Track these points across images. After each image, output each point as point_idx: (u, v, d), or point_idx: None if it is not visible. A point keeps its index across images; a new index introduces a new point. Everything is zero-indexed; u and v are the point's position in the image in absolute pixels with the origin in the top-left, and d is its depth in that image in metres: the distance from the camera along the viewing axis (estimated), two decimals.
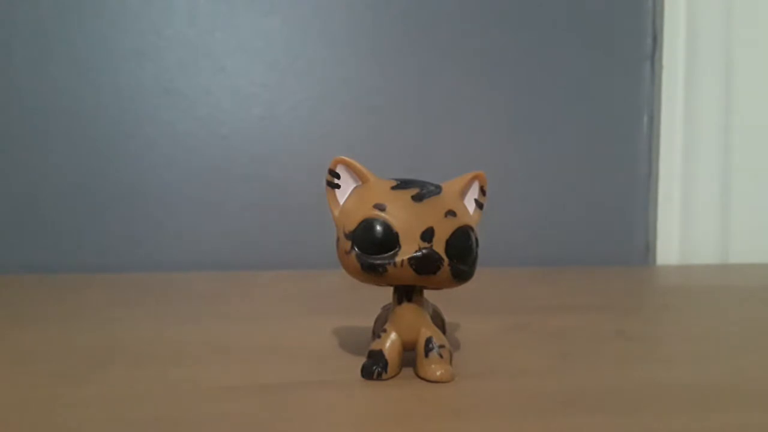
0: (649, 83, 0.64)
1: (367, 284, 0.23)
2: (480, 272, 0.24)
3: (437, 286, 0.23)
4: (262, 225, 0.58)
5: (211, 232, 0.57)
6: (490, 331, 0.31)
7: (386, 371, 0.23)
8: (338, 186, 0.24)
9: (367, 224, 0.22)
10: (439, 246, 0.22)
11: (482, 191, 0.25)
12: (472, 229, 0.23)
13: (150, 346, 0.28)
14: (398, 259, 0.21)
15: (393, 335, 0.23)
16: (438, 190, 0.23)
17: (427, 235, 0.22)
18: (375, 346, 0.23)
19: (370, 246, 0.22)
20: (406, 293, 0.23)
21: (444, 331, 0.26)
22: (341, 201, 0.24)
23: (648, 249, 0.65)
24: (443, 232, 0.22)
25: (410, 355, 0.24)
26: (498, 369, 0.25)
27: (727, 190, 0.64)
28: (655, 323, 0.35)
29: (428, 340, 0.23)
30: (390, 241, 0.22)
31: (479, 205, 0.25)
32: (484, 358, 0.26)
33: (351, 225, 0.22)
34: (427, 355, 0.23)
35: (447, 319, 0.28)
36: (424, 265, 0.21)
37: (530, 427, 0.19)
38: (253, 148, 0.58)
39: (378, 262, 0.22)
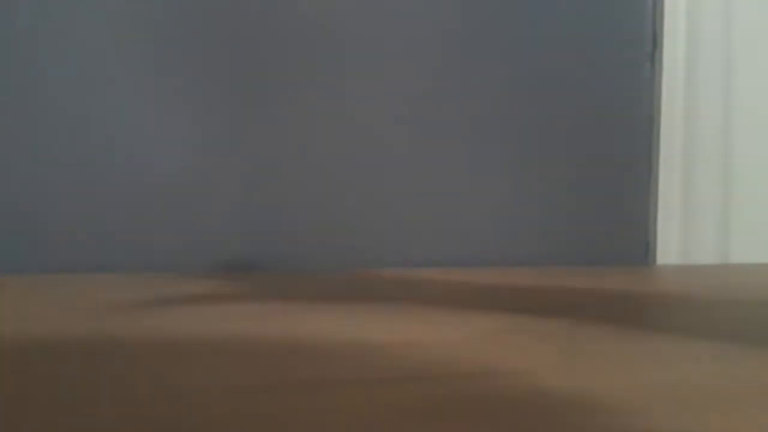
0: (649, 83, 0.64)
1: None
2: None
3: None
4: (261, 225, 0.58)
5: (211, 232, 0.57)
6: (490, 331, 0.31)
7: None
8: None
9: None
10: None
11: None
12: None
13: (150, 346, 0.28)
14: None
15: None
16: None
17: None
18: None
19: None
20: None
21: None
22: None
23: (648, 249, 0.65)
24: None
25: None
26: (498, 369, 0.25)
27: (727, 190, 0.64)
28: (655, 323, 0.35)
29: None
30: None
31: None
32: (483, 358, 0.26)
33: None
34: None
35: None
36: None
37: (530, 428, 0.19)
38: (253, 149, 0.58)
39: None
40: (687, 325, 0.35)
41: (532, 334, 0.31)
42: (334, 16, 0.58)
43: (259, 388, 0.22)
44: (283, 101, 0.58)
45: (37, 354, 0.27)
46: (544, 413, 0.20)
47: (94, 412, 0.20)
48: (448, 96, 0.61)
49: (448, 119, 0.61)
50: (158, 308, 0.38)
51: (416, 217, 0.59)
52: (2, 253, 0.55)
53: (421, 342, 0.29)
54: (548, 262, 0.61)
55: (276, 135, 0.58)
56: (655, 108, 0.64)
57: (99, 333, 0.31)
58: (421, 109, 0.61)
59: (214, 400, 0.21)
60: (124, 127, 0.56)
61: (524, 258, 0.61)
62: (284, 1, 0.56)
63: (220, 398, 0.21)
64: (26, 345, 0.29)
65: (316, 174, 0.58)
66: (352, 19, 0.59)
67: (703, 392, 0.22)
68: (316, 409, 0.20)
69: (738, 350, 0.28)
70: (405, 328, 0.31)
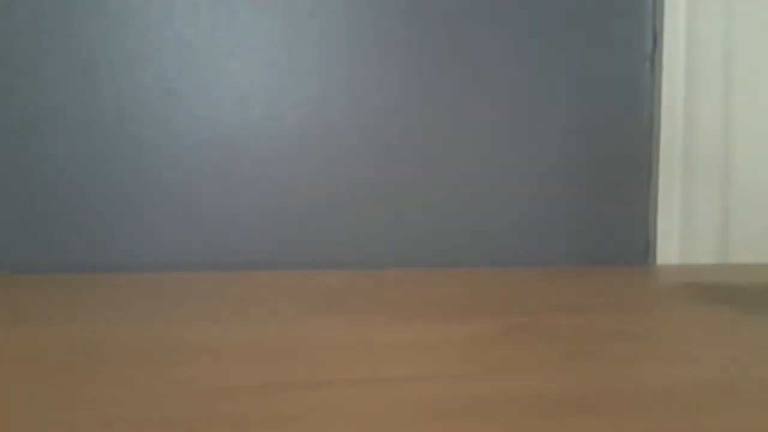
0: (649, 83, 0.64)
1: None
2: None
3: None
4: (262, 225, 0.58)
5: (211, 231, 0.57)
6: (490, 331, 0.31)
7: None
8: None
9: None
10: None
11: None
12: None
13: (150, 346, 0.28)
14: None
15: None
16: None
17: None
18: None
19: None
20: None
21: None
22: None
23: (648, 249, 0.65)
24: None
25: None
26: (498, 369, 0.25)
27: (727, 191, 0.64)
28: (655, 323, 0.35)
29: None
30: None
31: None
32: (484, 358, 0.26)
33: None
34: None
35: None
36: None
37: (530, 428, 0.19)
38: (253, 148, 0.58)
39: None
40: (687, 325, 0.35)
41: (532, 334, 0.31)
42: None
43: (258, 388, 0.22)
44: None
45: (37, 354, 0.27)
46: (544, 413, 0.20)
47: (94, 412, 0.20)
48: (446, 94, 0.61)
49: (447, 118, 0.61)
50: (158, 308, 0.38)
51: (416, 217, 0.59)
52: (2, 253, 0.55)
53: (421, 342, 0.29)
54: (548, 262, 0.61)
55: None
56: (655, 108, 0.64)
57: (99, 333, 0.31)
58: (420, 108, 0.61)
59: (214, 400, 0.21)
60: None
61: (524, 258, 0.61)
62: None
63: (220, 398, 0.21)
64: (26, 346, 0.29)
65: (315, 172, 0.58)
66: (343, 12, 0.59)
67: (703, 392, 0.22)
68: (316, 409, 0.20)
69: (738, 350, 0.28)
70: (405, 329, 0.31)
